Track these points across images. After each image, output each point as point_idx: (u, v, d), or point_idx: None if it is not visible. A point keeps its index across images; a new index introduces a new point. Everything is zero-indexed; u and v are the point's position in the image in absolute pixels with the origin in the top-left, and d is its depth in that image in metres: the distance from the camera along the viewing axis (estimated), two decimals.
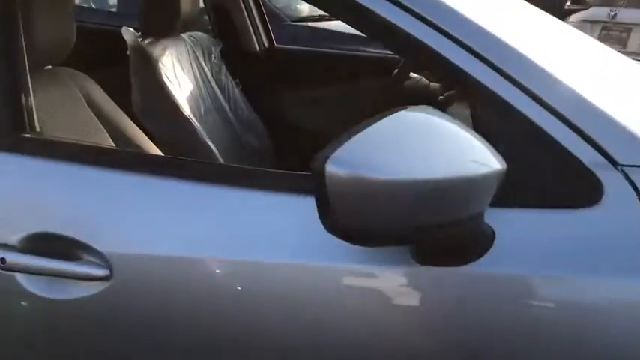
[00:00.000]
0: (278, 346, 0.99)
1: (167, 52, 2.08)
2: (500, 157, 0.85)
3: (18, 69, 1.15)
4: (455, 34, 0.96)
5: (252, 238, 0.97)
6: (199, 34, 2.33)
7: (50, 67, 1.62)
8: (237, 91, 2.38)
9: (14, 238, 1.05)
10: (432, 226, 0.81)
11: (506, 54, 0.96)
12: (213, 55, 2.33)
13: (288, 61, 2.48)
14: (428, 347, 0.95)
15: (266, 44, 2.50)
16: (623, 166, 0.92)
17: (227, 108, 2.31)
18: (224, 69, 2.35)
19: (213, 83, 2.30)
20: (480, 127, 0.94)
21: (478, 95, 0.96)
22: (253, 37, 2.46)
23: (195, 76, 2.21)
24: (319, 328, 0.97)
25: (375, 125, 0.80)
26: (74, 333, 1.07)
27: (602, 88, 1.12)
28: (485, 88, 0.94)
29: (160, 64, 2.02)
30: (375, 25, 1.01)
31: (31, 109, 1.18)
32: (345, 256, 0.92)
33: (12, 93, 1.13)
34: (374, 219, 0.77)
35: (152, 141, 1.89)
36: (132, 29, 2.09)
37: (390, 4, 0.98)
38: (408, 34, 0.97)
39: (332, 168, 0.74)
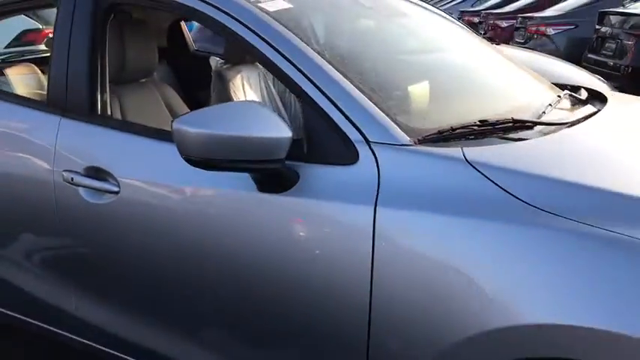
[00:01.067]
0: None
1: (239, 75, 2.96)
2: (290, 128, 1.54)
3: (100, 82, 2.06)
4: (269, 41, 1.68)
5: (172, 170, 1.77)
6: None
7: (144, 80, 2.57)
8: (298, 105, 3.17)
9: (79, 167, 1.95)
10: (238, 161, 1.53)
11: (309, 62, 1.65)
12: None
13: None
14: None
15: None
16: (370, 142, 1.56)
17: (286, 118, 3.12)
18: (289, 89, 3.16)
19: (278, 100, 3.12)
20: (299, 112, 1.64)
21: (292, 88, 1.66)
22: None
23: (262, 94, 3.06)
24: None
25: (211, 107, 1.57)
26: (101, 224, 1.95)
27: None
28: (295, 84, 1.64)
29: (231, 83, 2.90)
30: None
31: (106, 101, 2.08)
32: (213, 181, 1.67)
33: (94, 93, 2.05)
34: (199, 155, 1.51)
35: None
36: (217, 57, 3.01)
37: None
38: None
39: (175, 125, 1.51)
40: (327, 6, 2.25)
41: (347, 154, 1.58)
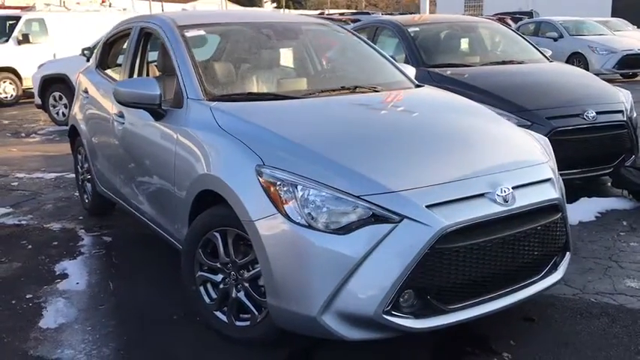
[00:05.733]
0: None
1: None
2: (161, 90, 3.36)
3: (138, 68, 4.15)
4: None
5: (132, 112, 3.73)
6: None
7: None
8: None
9: (117, 111, 4.05)
10: (138, 103, 3.43)
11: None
12: None
13: None
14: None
15: None
16: (188, 97, 3.31)
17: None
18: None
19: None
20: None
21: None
22: None
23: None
24: None
25: (132, 78, 3.51)
26: (123, 138, 4.02)
27: None
28: (175, 70, 3.48)
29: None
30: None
31: None
32: None
33: (132, 74, 4.13)
34: (122, 100, 3.44)
35: None
36: None
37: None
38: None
39: (114, 86, 3.47)
40: (230, 33, 3.98)
41: (181, 103, 3.36)
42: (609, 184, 5.39)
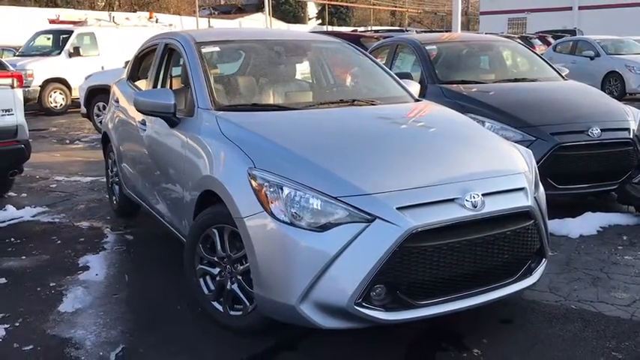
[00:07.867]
0: None
1: None
2: (175, 100, 3.70)
3: (162, 80, 4.51)
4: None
5: (152, 119, 4.09)
6: None
7: None
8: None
9: (140, 119, 4.41)
10: (155, 112, 3.77)
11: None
12: None
13: None
14: None
15: None
16: (199, 107, 3.63)
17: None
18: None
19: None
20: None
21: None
22: None
23: None
24: None
25: (151, 89, 3.87)
26: (146, 143, 4.37)
27: None
28: (188, 81, 3.81)
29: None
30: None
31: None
32: None
33: (156, 85, 4.50)
34: (142, 108, 3.80)
35: None
36: None
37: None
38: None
39: (134, 95, 3.82)
40: (243, 49, 4.31)
41: (193, 112, 3.68)
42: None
